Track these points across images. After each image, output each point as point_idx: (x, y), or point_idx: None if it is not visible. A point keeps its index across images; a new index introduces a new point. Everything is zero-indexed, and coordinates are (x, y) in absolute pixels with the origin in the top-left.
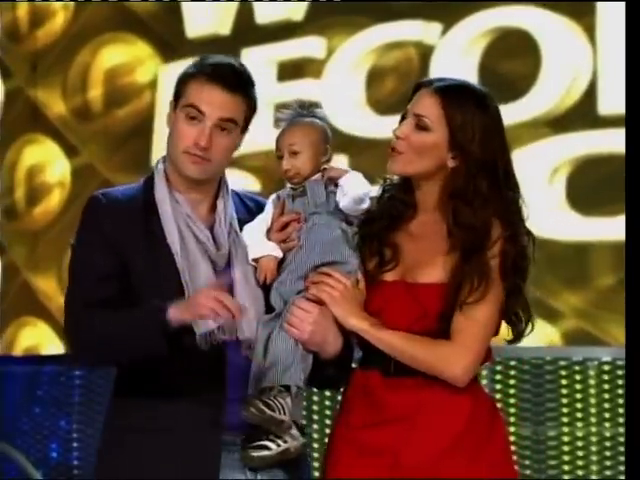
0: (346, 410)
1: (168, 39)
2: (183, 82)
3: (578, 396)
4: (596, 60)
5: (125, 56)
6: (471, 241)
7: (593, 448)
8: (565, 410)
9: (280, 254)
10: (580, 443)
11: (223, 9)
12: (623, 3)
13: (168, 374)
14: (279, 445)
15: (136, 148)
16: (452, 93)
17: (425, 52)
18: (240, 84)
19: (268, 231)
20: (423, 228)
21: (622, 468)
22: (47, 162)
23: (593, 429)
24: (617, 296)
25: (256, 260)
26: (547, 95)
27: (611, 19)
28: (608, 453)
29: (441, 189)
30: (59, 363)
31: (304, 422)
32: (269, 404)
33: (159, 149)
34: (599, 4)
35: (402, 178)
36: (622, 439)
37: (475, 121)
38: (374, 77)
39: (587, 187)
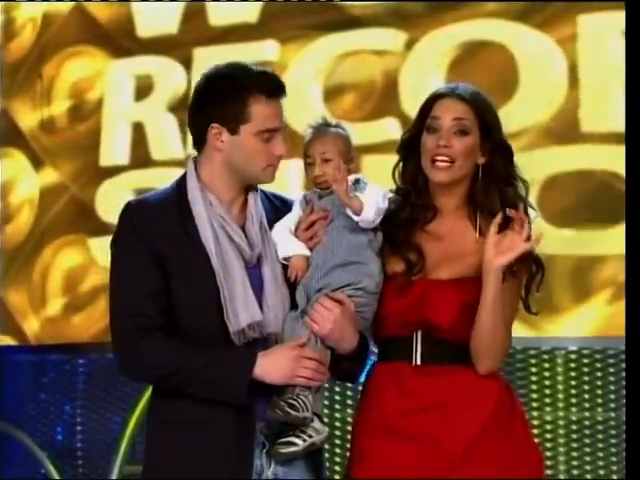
0: (377, 401)
1: (123, 43)
2: (242, 105)
3: (547, 383)
4: (575, 75)
5: (88, 69)
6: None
7: (560, 431)
8: (534, 396)
9: (308, 252)
10: (548, 427)
11: (176, 9)
12: (603, 16)
13: None
14: (305, 440)
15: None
16: (476, 97)
17: (389, 61)
18: (284, 87)
19: (295, 229)
20: (443, 229)
21: (588, 450)
22: (18, 177)
23: (561, 414)
24: (581, 307)
25: (286, 258)
26: (521, 111)
27: (591, 32)
28: (574, 436)
29: (467, 188)
30: (64, 352)
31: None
32: (293, 405)
33: (108, 146)
34: (579, 18)
35: (417, 186)
36: (588, 423)
37: (496, 117)
38: (334, 84)
39: (561, 201)
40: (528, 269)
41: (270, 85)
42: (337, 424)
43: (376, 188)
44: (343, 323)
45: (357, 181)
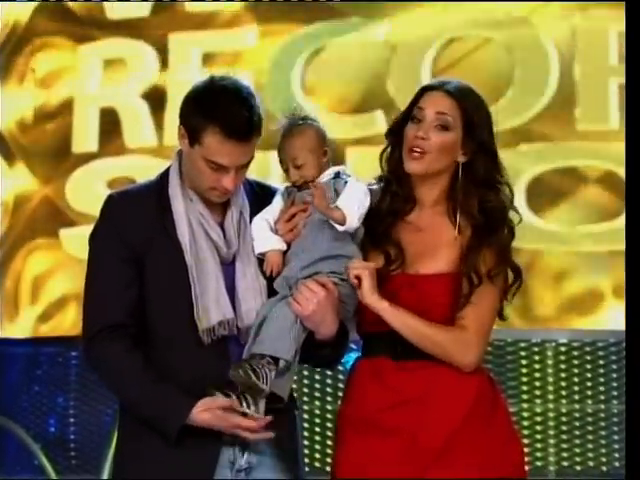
0: (359, 396)
1: (93, 26)
2: (200, 128)
3: (537, 375)
4: (571, 72)
5: (59, 59)
6: (492, 223)
7: (550, 423)
8: (525, 388)
9: (284, 247)
10: (539, 418)
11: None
12: (600, 14)
13: (175, 367)
14: (241, 404)
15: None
16: (465, 94)
17: (376, 53)
18: (254, 131)
19: (275, 222)
20: (422, 221)
21: (578, 441)
22: None
23: (550, 405)
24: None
25: (262, 254)
26: (513, 108)
27: (587, 29)
28: (564, 427)
29: (447, 184)
30: (57, 345)
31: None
32: (256, 371)
33: (80, 133)
34: (575, 15)
35: (398, 174)
36: (578, 414)
37: (486, 118)
38: (317, 74)
39: (553, 198)
40: (504, 275)
41: (233, 127)
42: (329, 416)
43: (357, 186)
44: (326, 306)
45: (337, 174)
